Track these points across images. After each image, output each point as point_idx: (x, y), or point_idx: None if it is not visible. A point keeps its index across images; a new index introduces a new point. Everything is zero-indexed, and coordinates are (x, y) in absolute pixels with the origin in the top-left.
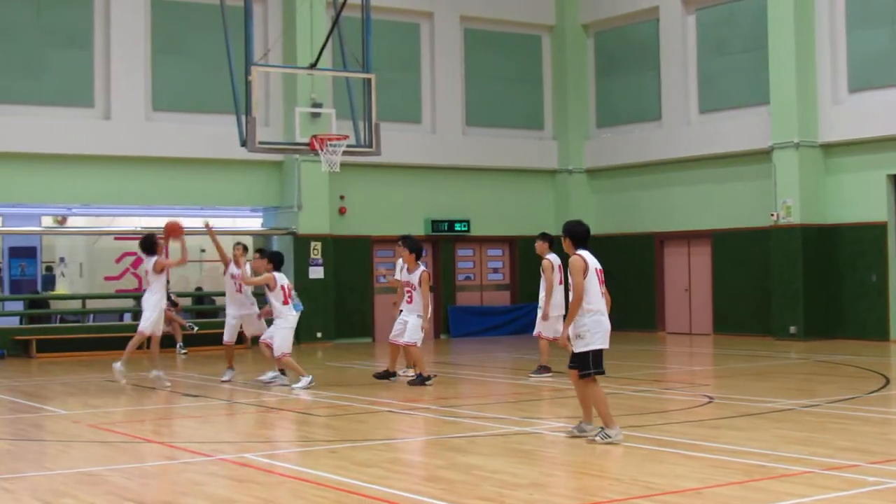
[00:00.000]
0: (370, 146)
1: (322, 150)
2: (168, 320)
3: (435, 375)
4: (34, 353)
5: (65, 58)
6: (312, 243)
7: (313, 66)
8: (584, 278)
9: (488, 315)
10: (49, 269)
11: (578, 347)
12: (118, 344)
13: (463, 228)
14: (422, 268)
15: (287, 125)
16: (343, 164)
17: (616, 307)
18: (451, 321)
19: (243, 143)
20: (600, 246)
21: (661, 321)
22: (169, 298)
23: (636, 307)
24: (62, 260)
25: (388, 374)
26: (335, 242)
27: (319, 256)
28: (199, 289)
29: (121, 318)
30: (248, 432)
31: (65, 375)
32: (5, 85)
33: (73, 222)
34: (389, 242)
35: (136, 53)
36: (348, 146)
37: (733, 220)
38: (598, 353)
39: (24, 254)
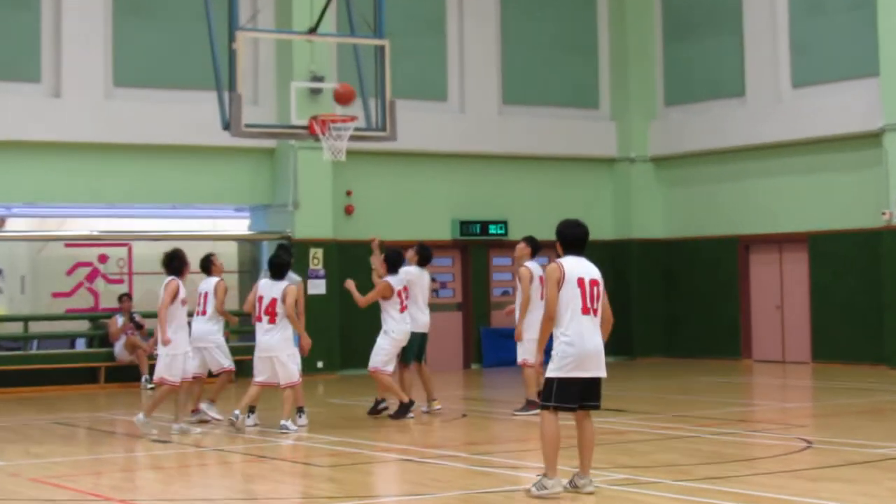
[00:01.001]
0: (383, 129)
1: (324, 134)
2: (131, 347)
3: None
4: None
5: (3, 21)
6: (312, 250)
7: (313, 30)
8: (558, 290)
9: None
10: None
11: (548, 372)
12: (68, 377)
13: (499, 231)
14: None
15: (281, 104)
16: (350, 152)
17: (691, 329)
18: (484, 347)
19: (226, 127)
20: (669, 253)
21: (747, 346)
22: (132, 319)
23: (715, 329)
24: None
25: (377, 405)
26: (340, 249)
27: (321, 267)
28: None
29: (72, 345)
30: (232, 488)
31: (1, 417)
32: None
33: (13, 225)
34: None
35: (93, 16)
36: (356, 129)
37: (836, 221)
38: (564, 384)
39: None
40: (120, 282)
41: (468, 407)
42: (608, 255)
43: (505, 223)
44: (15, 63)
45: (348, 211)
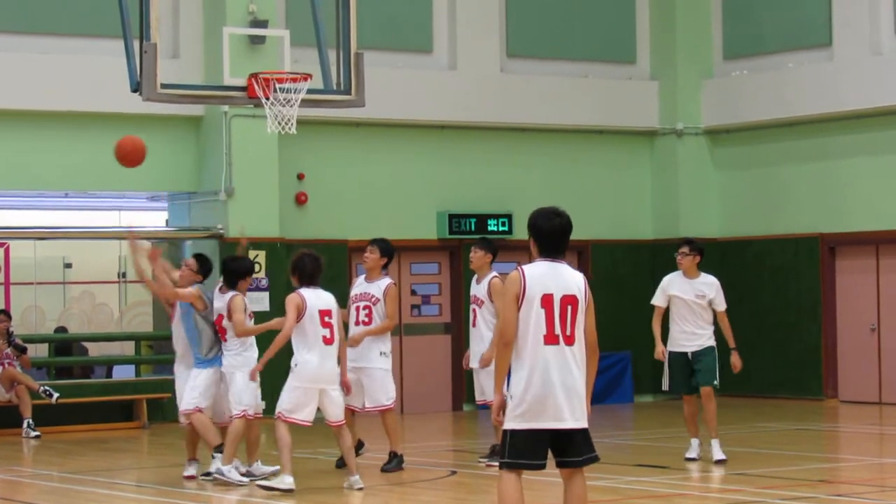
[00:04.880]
0: (347, 92)
1: (267, 97)
2: (9, 382)
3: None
4: None
5: None
6: (251, 253)
7: None
8: (518, 308)
9: None
10: None
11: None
12: None
13: (501, 228)
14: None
15: (209, 58)
16: (302, 122)
17: (756, 358)
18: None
19: (136, 89)
20: (727, 257)
21: (832, 382)
22: (12, 343)
23: (789, 359)
24: None
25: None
26: (290, 251)
27: (263, 275)
28: (61, 329)
29: None
30: None
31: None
32: None
33: None
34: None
35: None
36: (310, 92)
37: None
38: (522, 436)
39: None
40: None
41: (457, 462)
42: (645, 261)
43: (509, 217)
44: None
45: (300, 200)
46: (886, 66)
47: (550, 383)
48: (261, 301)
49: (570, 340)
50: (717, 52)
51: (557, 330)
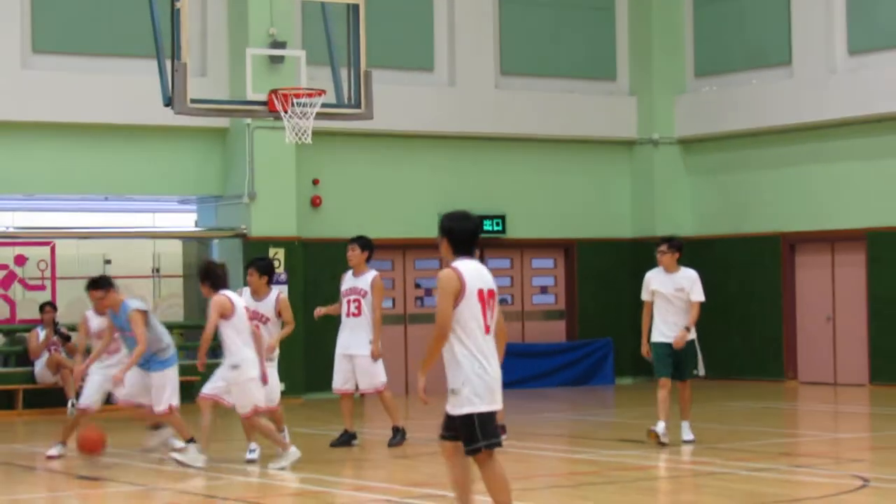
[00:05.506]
0: (357, 105)
1: (286, 111)
2: (56, 366)
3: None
4: None
5: None
6: (272, 250)
7: None
8: (456, 304)
9: (533, 356)
10: None
11: (454, 407)
12: None
13: (496, 228)
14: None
15: (233, 76)
16: (317, 133)
17: (725, 345)
18: None
19: (168, 103)
20: (699, 254)
21: (792, 365)
22: (57, 332)
23: (754, 345)
24: None
25: (349, 438)
26: (306, 249)
27: (282, 270)
28: None
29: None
30: None
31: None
32: None
33: None
34: (388, 249)
35: None
36: (325, 106)
37: None
38: (486, 417)
39: None
40: (41, 288)
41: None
42: (626, 257)
43: (502, 218)
44: None
45: (315, 203)
46: (840, 82)
47: (492, 368)
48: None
49: (489, 330)
50: (690, 69)
51: (489, 321)
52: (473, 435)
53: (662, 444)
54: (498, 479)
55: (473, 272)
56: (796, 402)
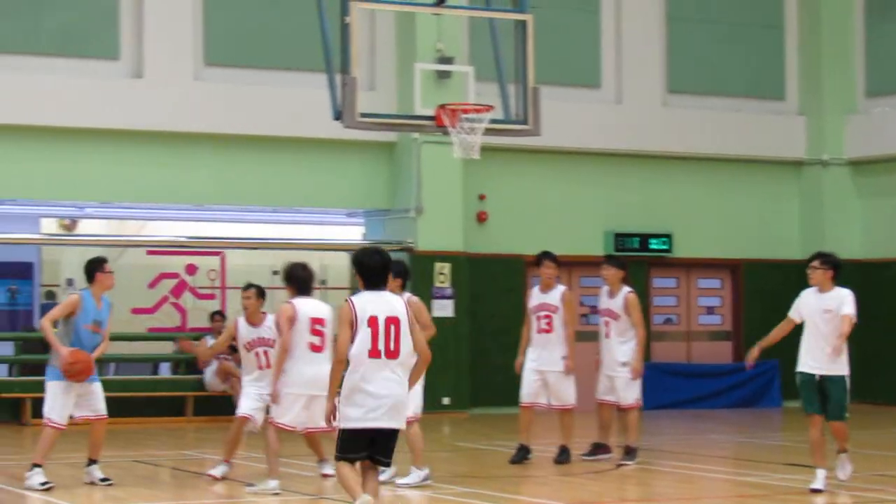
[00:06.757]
0: (524, 122)
1: (454, 126)
2: (225, 374)
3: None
4: (28, 418)
5: None
6: (438, 265)
7: (441, 2)
8: (351, 331)
9: (699, 377)
10: (51, 295)
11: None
12: (149, 408)
13: (662, 246)
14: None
15: (402, 90)
16: (484, 148)
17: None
18: (645, 385)
19: (337, 117)
20: (869, 276)
21: None
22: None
23: None
24: (70, 282)
25: (525, 453)
26: (471, 264)
27: (448, 284)
28: None
29: (155, 370)
30: None
31: (70, 452)
32: None
33: (86, 228)
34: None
35: None
36: (492, 121)
37: None
38: (349, 434)
39: (14, 273)
40: (211, 297)
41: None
42: (794, 279)
43: (669, 237)
44: (89, 37)
45: (481, 218)
46: None
47: (376, 391)
48: (445, 308)
49: (393, 355)
50: (860, 89)
51: (381, 346)
52: (336, 445)
53: (817, 491)
54: (368, 489)
55: (369, 302)
56: None
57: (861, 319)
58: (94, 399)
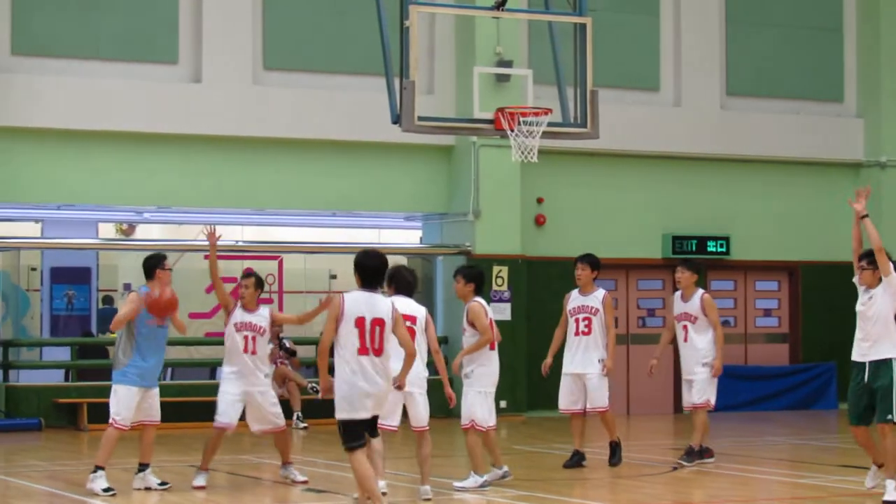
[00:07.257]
0: (583, 125)
1: (512, 129)
2: (282, 378)
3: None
4: (85, 423)
5: None
6: (496, 268)
7: (500, 5)
8: (337, 327)
9: (756, 379)
10: (108, 300)
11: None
12: (206, 413)
13: (720, 249)
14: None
15: (461, 94)
16: (542, 152)
17: None
18: None
19: (396, 120)
20: None
21: None
22: (283, 347)
23: None
24: (127, 287)
25: (580, 458)
26: (529, 267)
27: (505, 288)
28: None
29: (212, 375)
30: None
31: (131, 457)
32: (46, 31)
33: (144, 233)
34: (611, 269)
35: None
36: (550, 125)
37: None
38: (349, 424)
39: (72, 278)
40: (269, 301)
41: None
42: (850, 281)
43: (726, 240)
44: (148, 42)
45: (539, 222)
46: None
47: (366, 384)
48: (503, 311)
49: (377, 353)
50: None
51: (368, 344)
52: (341, 437)
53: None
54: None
55: (359, 302)
56: None
57: None
58: (152, 404)
